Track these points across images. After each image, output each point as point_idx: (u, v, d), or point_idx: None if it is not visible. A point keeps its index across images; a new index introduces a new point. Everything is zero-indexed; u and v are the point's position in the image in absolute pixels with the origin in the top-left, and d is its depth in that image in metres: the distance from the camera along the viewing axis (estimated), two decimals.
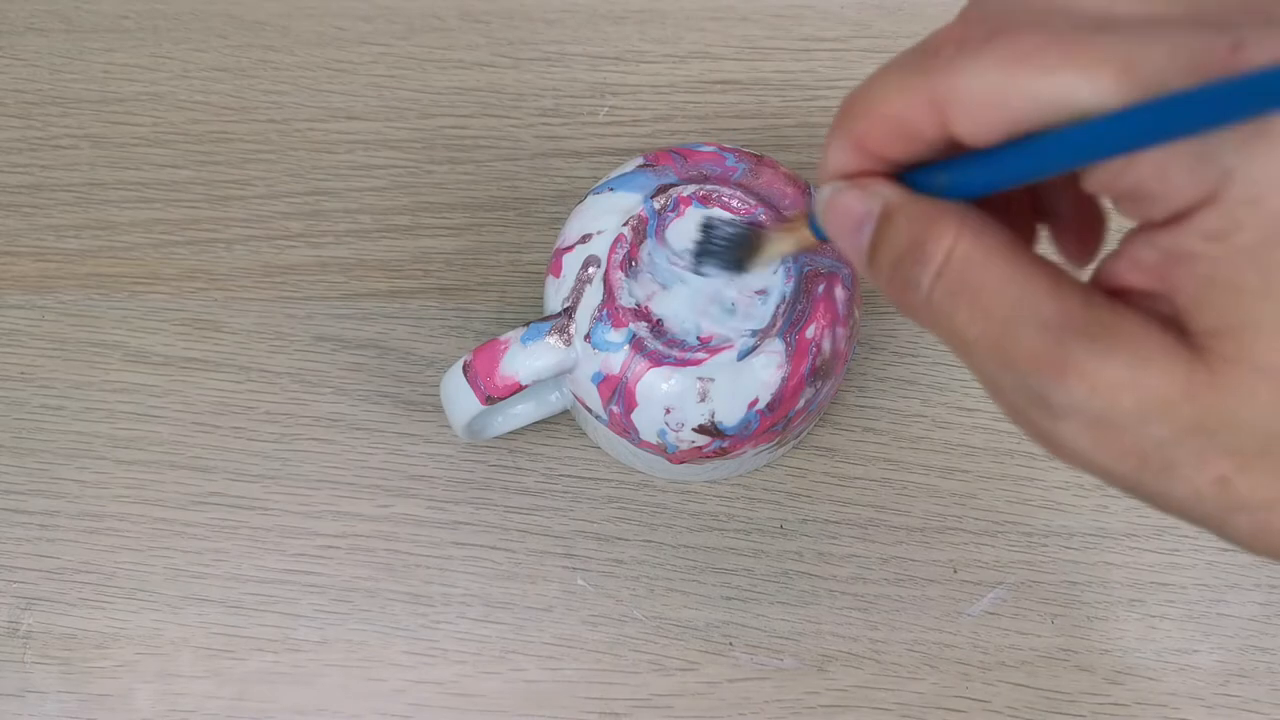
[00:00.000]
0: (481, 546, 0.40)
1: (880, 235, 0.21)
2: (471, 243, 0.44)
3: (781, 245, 0.28)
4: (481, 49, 0.46)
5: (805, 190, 0.36)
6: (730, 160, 0.36)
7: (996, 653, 0.39)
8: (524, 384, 0.34)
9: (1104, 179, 0.18)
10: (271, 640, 0.40)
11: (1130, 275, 0.19)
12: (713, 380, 0.33)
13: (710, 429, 0.34)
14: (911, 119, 0.20)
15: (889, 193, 0.21)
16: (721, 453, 0.35)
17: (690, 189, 0.35)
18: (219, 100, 0.46)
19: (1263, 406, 0.17)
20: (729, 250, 0.32)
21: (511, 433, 0.40)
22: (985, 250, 0.19)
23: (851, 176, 0.22)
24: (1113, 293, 0.19)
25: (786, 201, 0.36)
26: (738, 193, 0.35)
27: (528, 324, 0.35)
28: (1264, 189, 0.17)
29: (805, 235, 0.27)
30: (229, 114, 0.46)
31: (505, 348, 0.34)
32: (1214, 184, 0.17)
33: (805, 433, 0.40)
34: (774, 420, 0.34)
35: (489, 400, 0.35)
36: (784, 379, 0.34)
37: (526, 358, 0.34)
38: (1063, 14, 0.19)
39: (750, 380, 0.34)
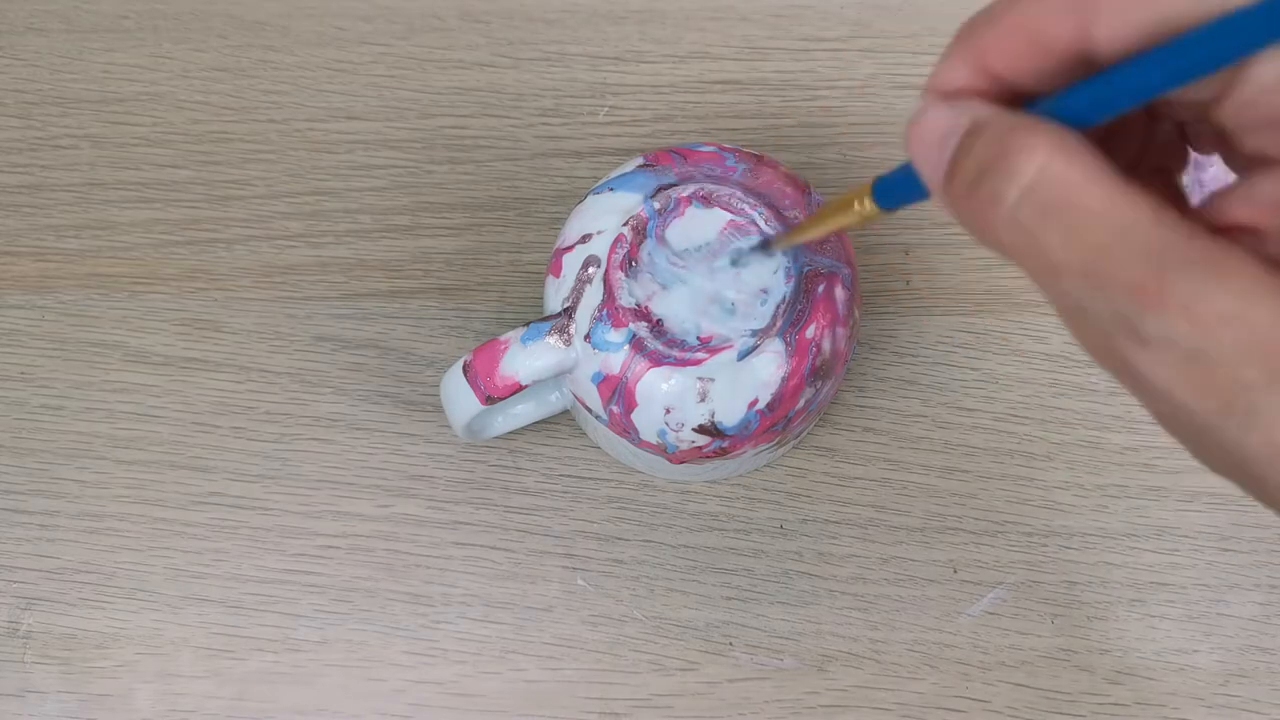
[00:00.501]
0: (481, 546, 0.40)
1: (964, 149, 0.20)
2: (471, 243, 0.44)
3: (839, 220, 0.28)
4: (481, 49, 0.46)
5: (806, 190, 0.36)
6: (730, 160, 0.36)
7: (996, 653, 0.39)
8: (524, 384, 0.34)
9: (1245, 103, 0.17)
10: (271, 640, 0.40)
11: (1242, 210, 0.18)
12: (713, 380, 0.33)
13: (710, 429, 0.34)
14: (1047, 26, 0.18)
15: (980, 108, 0.20)
16: (721, 453, 0.35)
17: (690, 189, 0.35)
18: (219, 100, 0.46)
19: None
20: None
21: (511, 433, 0.40)
22: (1084, 170, 0.18)
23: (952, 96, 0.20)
24: (1219, 230, 0.18)
25: (786, 201, 0.36)
26: (737, 192, 0.35)
27: (528, 324, 0.35)
28: None
29: (865, 206, 0.26)
30: (229, 114, 0.46)
31: (505, 348, 0.34)
32: None
33: (805, 433, 0.40)
34: (774, 420, 0.34)
35: (489, 400, 0.35)
36: (784, 379, 0.34)
37: (526, 358, 0.34)
38: None
39: (750, 380, 0.34)
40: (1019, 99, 0.20)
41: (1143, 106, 0.19)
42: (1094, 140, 0.19)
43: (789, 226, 0.34)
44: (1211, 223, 0.19)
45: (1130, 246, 0.18)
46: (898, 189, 0.25)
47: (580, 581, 0.40)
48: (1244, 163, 0.19)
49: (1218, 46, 0.17)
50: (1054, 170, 0.18)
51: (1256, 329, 0.17)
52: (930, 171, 0.21)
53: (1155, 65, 0.18)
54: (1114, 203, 0.18)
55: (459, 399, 0.35)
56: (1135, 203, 0.18)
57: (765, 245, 0.34)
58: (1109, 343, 0.18)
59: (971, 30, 0.20)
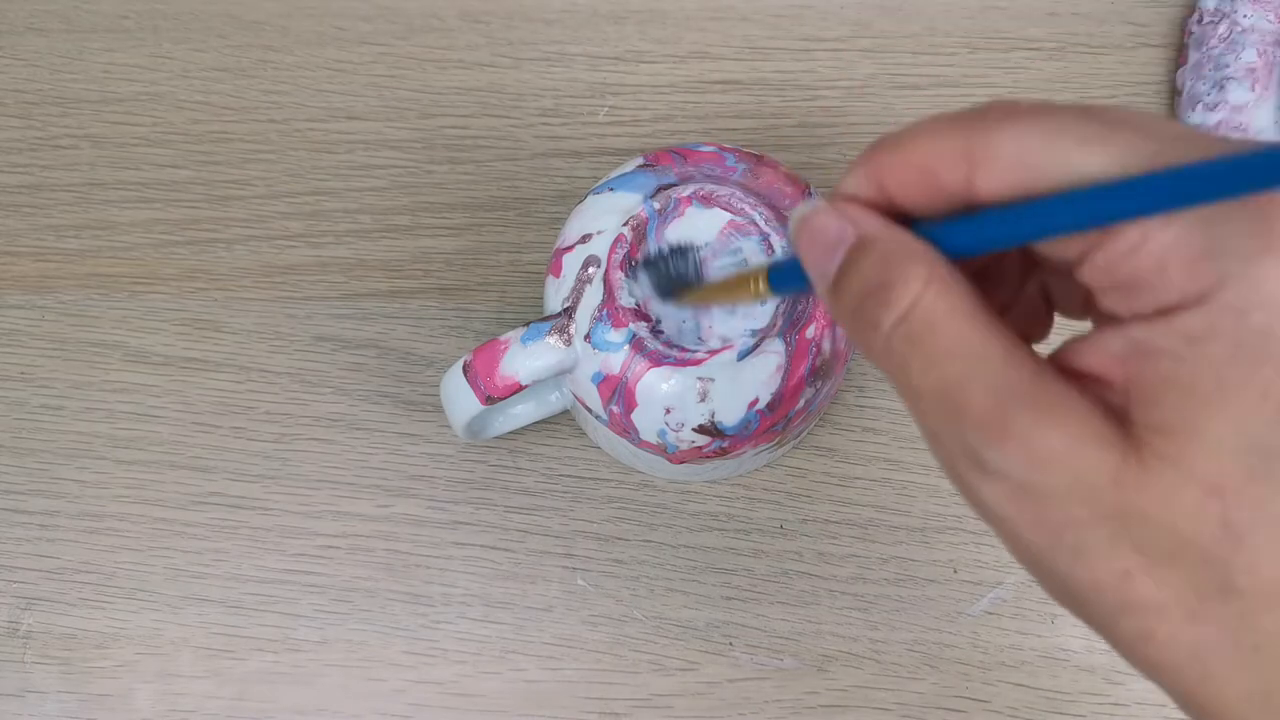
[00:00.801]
0: (481, 546, 0.40)
1: (850, 265, 0.21)
2: (471, 243, 0.44)
3: (736, 295, 0.29)
4: (481, 49, 0.46)
5: (805, 190, 0.36)
6: (730, 160, 0.36)
7: (996, 653, 0.39)
8: (524, 384, 0.34)
9: (1104, 265, 0.19)
10: (271, 640, 0.40)
11: (1091, 359, 0.19)
12: (713, 380, 0.33)
13: (710, 429, 0.34)
14: (939, 167, 0.20)
15: (867, 221, 0.21)
16: (721, 453, 0.35)
17: (690, 189, 0.35)
18: (219, 100, 0.46)
19: (1182, 511, 0.18)
20: (668, 278, 0.34)
21: (511, 433, 0.40)
22: (950, 303, 0.20)
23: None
24: (1068, 373, 0.20)
25: (786, 201, 0.36)
26: (737, 192, 0.35)
27: (528, 324, 0.35)
28: (1253, 303, 0.17)
29: (758, 289, 0.27)
30: (229, 114, 0.46)
31: (505, 348, 0.34)
32: (1208, 286, 0.17)
33: (805, 433, 0.40)
34: (774, 420, 0.34)
35: (489, 400, 0.35)
36: (784, 379, 0.34)
37: (526, 358, 0.34)
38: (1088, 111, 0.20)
39: (750, 380, 0.34)
40: (909, 218, 0.21)
41: (1016, 249, 0.20)
42: (970, 272, 0.20)
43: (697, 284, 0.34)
44: (1065, 367, 0.20)
45: (979, 381, 0.19)
46: (789, 279, 0.26)
47: (580, 581, 0.40)
48: (1098, 319, 0.20)
49: (1078, 213, 0.18)
50: (925, 302, 0.20)
51: (1084, 470, 0.18)
52: (817, 275, 0.22)
53: (1023, 218, 0.19)
54: (971, 339, 0.19)
55: (459, 399, 0.35)
56: (990, 341, 0.19)
57: (669, 295, 0.34)
58: (958, 468, 0.20)
59: (875, 152, 0.21)
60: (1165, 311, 0.18)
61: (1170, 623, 0.18)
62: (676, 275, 0.34)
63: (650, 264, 0.34)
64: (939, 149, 0.20)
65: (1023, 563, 0.20)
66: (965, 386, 0.19)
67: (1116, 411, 0.19)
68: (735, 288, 0.29)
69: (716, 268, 0.34)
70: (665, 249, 0.34)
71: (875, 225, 0.21)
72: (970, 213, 0.20)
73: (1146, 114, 0.19)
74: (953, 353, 0.19)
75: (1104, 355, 0.19)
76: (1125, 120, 0.19)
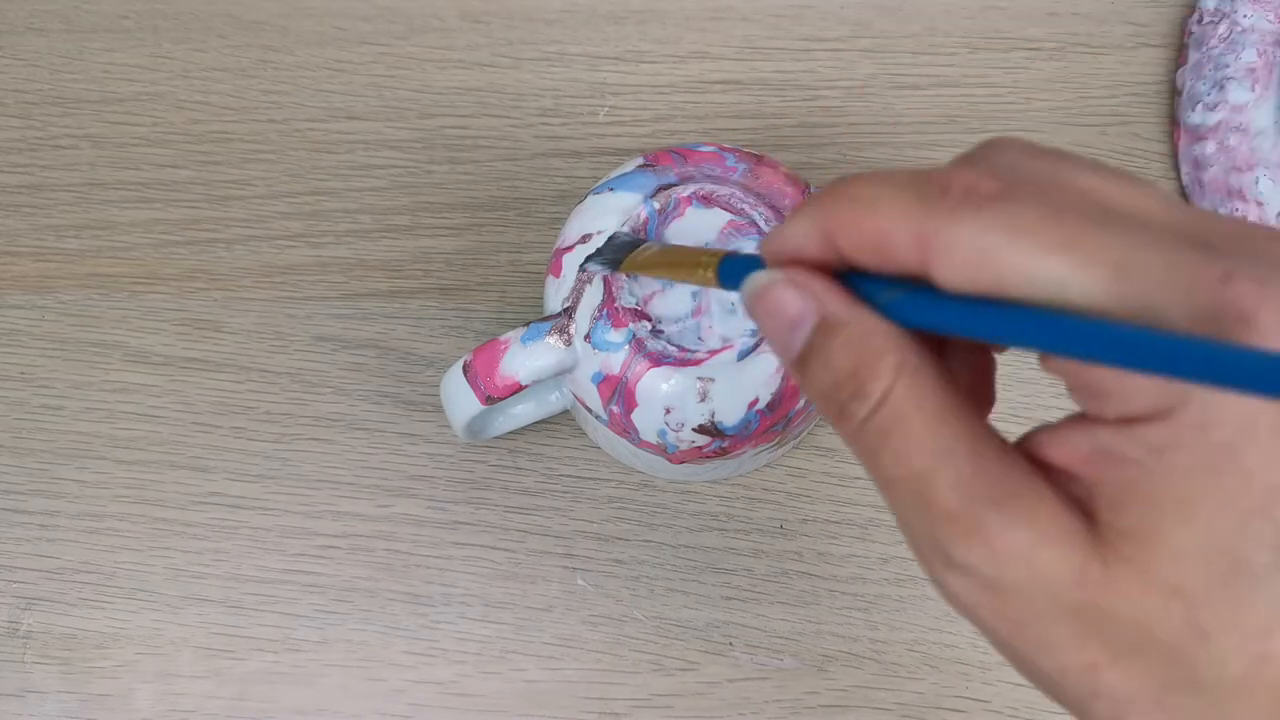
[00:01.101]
0: (481, 546, 0.40)
1: (816, 348, 0.21)
2: (471, 243, 0.44)
3: (683, 274, 0.28)
4: (481, 49, 0.46)
5: (805, 190, 0.36)
6: (730, 160, 0.36)
7: (997, 652, 0.39)
8: (524, 384, 0.34)
9: (1068, 367, 0.19)
10: (271, 640, 0.40)
11: (1058, 453, 0.19)
12: (713, 380, 0.33)
13: (710, 429, 0.34)
14: (894, 242, 0.19)
15: (831, 302, 0.21)
16: (721, 453, 0.35)
17: (690, 189, 0.35)
18: (219, 100, 0.46)
19: (1145, 610, 0.18)
20: (615, 250, 0.33)
21: (511, 433, 0.40)
22: (919, 395, 0.20)
23: (795, 263, 0.21)
24: (1035, 461, 0.20)
25: (786, 201, 0.36)
26: (737, 192, 0.35)
27: (528, 324, 0.35)
28: (1215, 420, 0.17)
29: (706, 277, 0.26)
30: (229, 114, 0.46)
31: (505, 348, 0.34)
32: (1172, 402, 0.17)
33: (805, 433, 0.40)
34: (774, 420, 0.34)
35: (489, 400, 0.35)
36: (784, 379, 0.34)
37: (526, 358, 0.34)
38: (1062, 189, 0.19)
39: (750, 380, 0.34)
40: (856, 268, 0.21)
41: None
42: (934, 344, 0.20)
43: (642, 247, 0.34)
44: (1032, 455, 0.20)
45: (947, 476, 0.19)
46: (739, 280, 0.25)
47: (580, 581, 0.40)
48: (1071, 417, 0.20)
49: (1035, 335, 0.18)
50: (895, 394, 0.20)
51: (1047, 568, 0.18)
52: (780, 349, 0.22)
53: (980, 318, 0.19)
54: (939, 433, 0.19)
55: (459, 399, 0.35)
56: (958, 433, 0.19)
57: (614, 265, 0.33)
58: (928, 556, 0.20)
59: (830, 203, 0.21)
60: (1130, 421, 0.18)
61: (1140, 713, 0.18)
62: (621, 243, 0.33)
63: (605, 244, 0.34)
64: (895, 225, 0.19)
65: (994, 646, 0.20)
66: (933, 481, 0.19)
67: (1082, 506, 0.19)
68: (684, 268, 0.28)
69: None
70: (611, 239, 0.34)
71: (839, 306, 0.21)
72: (927, 292, 0.19)
73: (1122, 201, 0.19)
74: (922, 447, 0.19)
75: (1070, 451, 0.19)
76: (1093, 219, 0.18)
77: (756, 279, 0.22)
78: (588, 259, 0.34)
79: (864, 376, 0.20)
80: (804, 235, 0.21)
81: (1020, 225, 0.18)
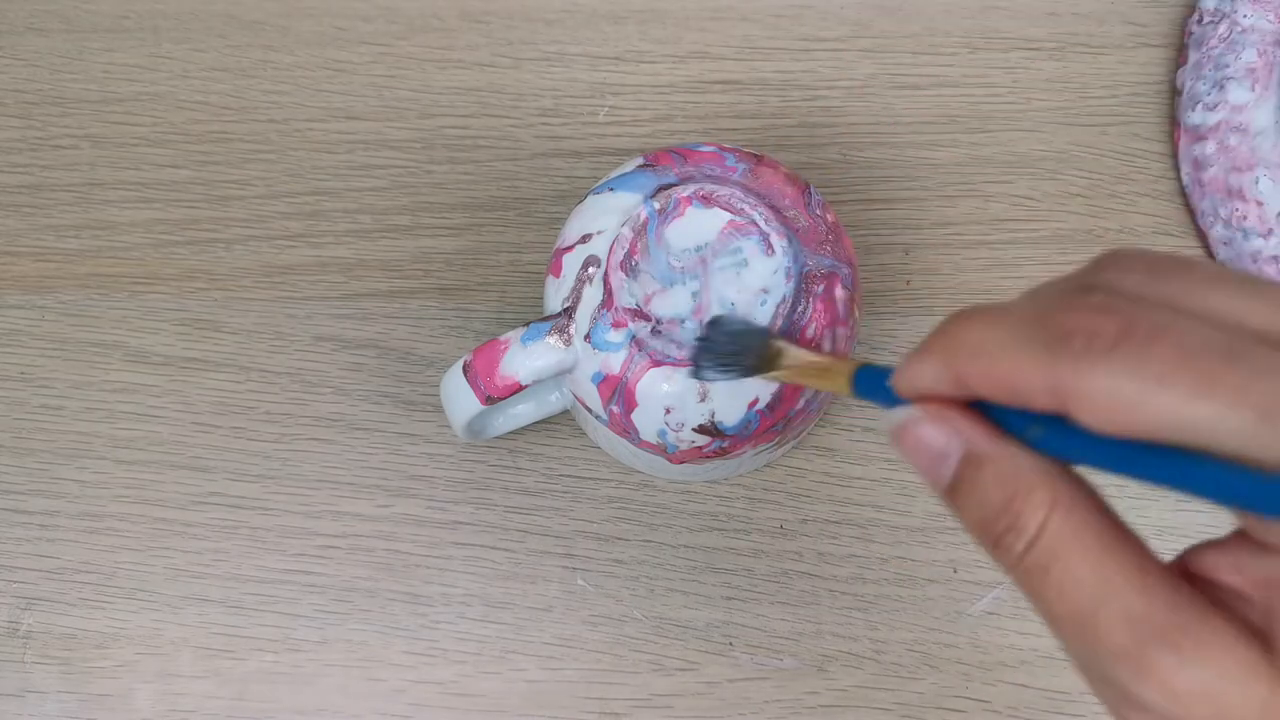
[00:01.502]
0: (481, 546, 0.40)
1: (966, 482, 0.21)
2: (471, 243, 0.44)
3: (816, 384, 0.28)
4: (481, 49, 0.46)
5: (805, 190, 0.36)
6: (730, 160, 0.36)
7: (997, 652, 0.39)
8: (524, 384, 0.34)
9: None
10: (271, 640, 0.40)
11: (1229, 575, 0.19)
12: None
13: (710, 429, 0.34)
14: (1028, 389, 0.19)
15: (976, 437, 0.21)
16: (721, 453, 0.35)
17: (690, 189, 0.35)
18: (219, 100, 0.46)
19: None
20: (733, 354, 0.32)
21: (511, 433, 0.40)
22: (1075, 528, 0.19)
23: (932, 399, 0.21)
24: (1201, 581, 0.19)
25: (786, 201, 0.36)
26: (737, 192, 0.34)
27: (528, 324, 0.35)
28: None
29: (840, 386, 0.26)
30: (229, 114, 0.46)
31: (505, 348, 0.34)
32: None
33: (805, 432, 0.40)
34: (774, 420, 0.34)
35: (489, 400, 0.35)
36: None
37: (526, 358, 0.34)
38: (1193, 316, 0.18)
39: (750, 380, 0.34)
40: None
41: None
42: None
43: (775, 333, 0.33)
44: (1198, 572, 0.20)
45: (1114, 612, 0.18)
46: (878, 393, 0.25)
47: (580, 581, 0.40)
48: (1239, 531, 0.20)
49: (1206, 483, 0.18)
50: (1050, 529, 0.19)
51: (1230, 705, 0.18)
52: (930, 480, 0.22)
53: (1139, 463, 0.18)
54: (1101, 566, 0.19)
55: (459, 399, 0.35)
56: (1121, 565, 0.19)
57: (745, 371, 0.32)
58: (1105, 694, 0.20)
59: (953, 351, 0.21)
60: None
61: None
62: (741, 348, 0.32)
63: (708, 347, 0.33)
64: (1024, 375, 0.19)
65: None
66: (1099, 616, 0.19)
67: (1258, 631, 0.18)
68: (817, 379, 0.28)
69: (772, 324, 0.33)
70: (713, 325, 0.33)
71: (983, 440, 0.21)
72: (1073, 430, 0.19)
73: (1260, 320, 0.18)
74: (1084, 583, 0.19)
75: (1242, 574, 0.19)
76: (1230, 355, 0.18)
77: (896, 415, 0.22)
78: (699, 369, 0.33)
79: (1017, 511, 0.20)
80: (934, 380, 0.21)
81: (1154, 372, 0.18)
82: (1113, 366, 0.18)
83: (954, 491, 0.21)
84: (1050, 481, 0.20)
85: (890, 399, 0.23)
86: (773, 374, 0.31)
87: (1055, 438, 0.20)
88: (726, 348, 0.32)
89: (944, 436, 0.21)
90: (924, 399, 0.22)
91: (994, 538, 0.20)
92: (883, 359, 0.42)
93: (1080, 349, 0.18)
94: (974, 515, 0.21)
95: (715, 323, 0.33)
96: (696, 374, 0.33)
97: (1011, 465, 0.20)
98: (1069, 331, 0.19)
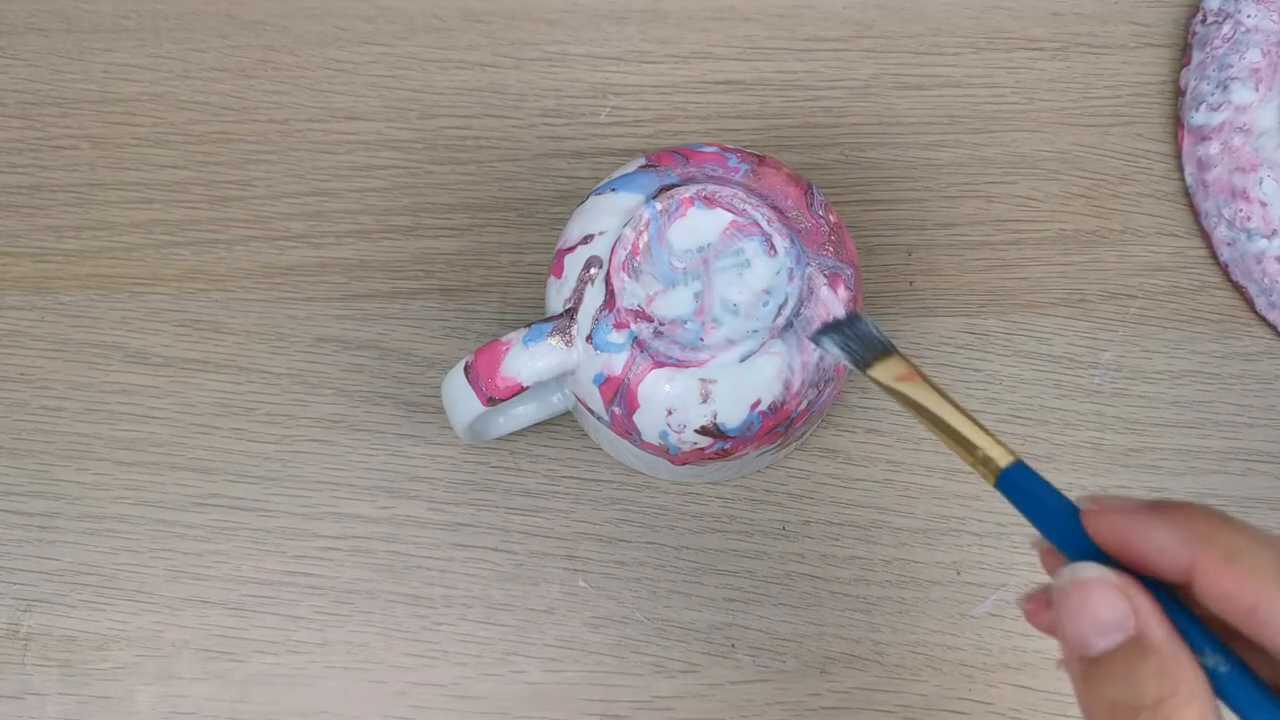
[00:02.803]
0: (483, 548, 0.40)
1: (1124, 663, 0.21)
2: (473, 243, 0.44)
3: (929, 418, 0.27)
4: (483, 49, 0.46)
5: (808, 190, 0.36)
6: (732, 161, 0.36)
7: (1000, 654, 0.39)
8: (525, 385, 0.34)
9: None
10: (272, 642, 0.40)
11: None
12: (715, 381, 0.33)
13: (712, 430, 0.34)
14: (1266, 619, 0.20)
15: (1152, 621, 0.21)
16: (724, 454, 0.35)
17: (692, 190, 0.34)
18: (219, 100, 0.46)
19: None
20: (858, 345, 0.31)
21: (513, 434, 0.40)
22: None
23: (1125, 560, 0.22)
24: None
25: (789, 202, 0.35)
26: (739, 193, 0.34)
27: (529, 325, 0.35)
28: None
29: (980, 469, 0.26)
30: (229, 114, 0.46)
31: (507, 349, 0.34)
32: None
33: (808, 434, 0.40)
34: (776, 422, 0.34)
35: (490, 401, 0.34)
36: (786, 380, 0.34)
37: (528, 359, 0.34)
38: None
39: (753, 381, 0.33)
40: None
41: None
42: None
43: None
44: None
45: None
46: (1023, 500, 0.25)
47: (582, 583, 0.40)
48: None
49: None
50: None
51: None
52: (1073, 642, 0.22)
53: None
54: None
55: (460, 400, 0.35)
56: None
57: (861, 363, 0.30)
58: None
59: (1205, 540, 0.21)
60: None
61: None
62: (867, 335, 0.31)
63: (838, 330, 0.32)
64: (1272, 604, 0.20)
65: None
66: None
67: None
68: (949, 429, 0.27)
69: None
70: (851, 322, 0.32)
71: (1160, 631, 0.21)
72: (1259, 682, 0.21)
73: None
74: None
75: None
76: None
77: (1085, 571, 0.22)
78: (823, 333, 0.32)
79: (1168, 712, 0.20)
80: (1161, 548, 0.22)
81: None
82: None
83: (1099, 666, 0.21)
84: (1207, 697, 0.21)
85: (1046, 515, 0.23)
86: (888, 384, 0.29)
87: (1237, 683, 0.21)
88: (854, 334, 0.32)
89: (1122, 611, 0.21)
90: (1117, 552, 0.22)
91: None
92: None
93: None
94: (1116, 693, 0.21)
95: (854, 319, 0.33)
96: (816, 339, 0.32)
97: (1176, 666, 0.21)
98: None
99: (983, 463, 0.25)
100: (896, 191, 0.44)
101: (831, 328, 0.32)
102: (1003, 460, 0.25)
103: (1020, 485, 0.25)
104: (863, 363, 0.30)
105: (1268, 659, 0.21)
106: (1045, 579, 0.39)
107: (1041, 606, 0.24)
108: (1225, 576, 0.21)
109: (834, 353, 0.32)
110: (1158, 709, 0.20)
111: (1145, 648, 0.21)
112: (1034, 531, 0.25)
